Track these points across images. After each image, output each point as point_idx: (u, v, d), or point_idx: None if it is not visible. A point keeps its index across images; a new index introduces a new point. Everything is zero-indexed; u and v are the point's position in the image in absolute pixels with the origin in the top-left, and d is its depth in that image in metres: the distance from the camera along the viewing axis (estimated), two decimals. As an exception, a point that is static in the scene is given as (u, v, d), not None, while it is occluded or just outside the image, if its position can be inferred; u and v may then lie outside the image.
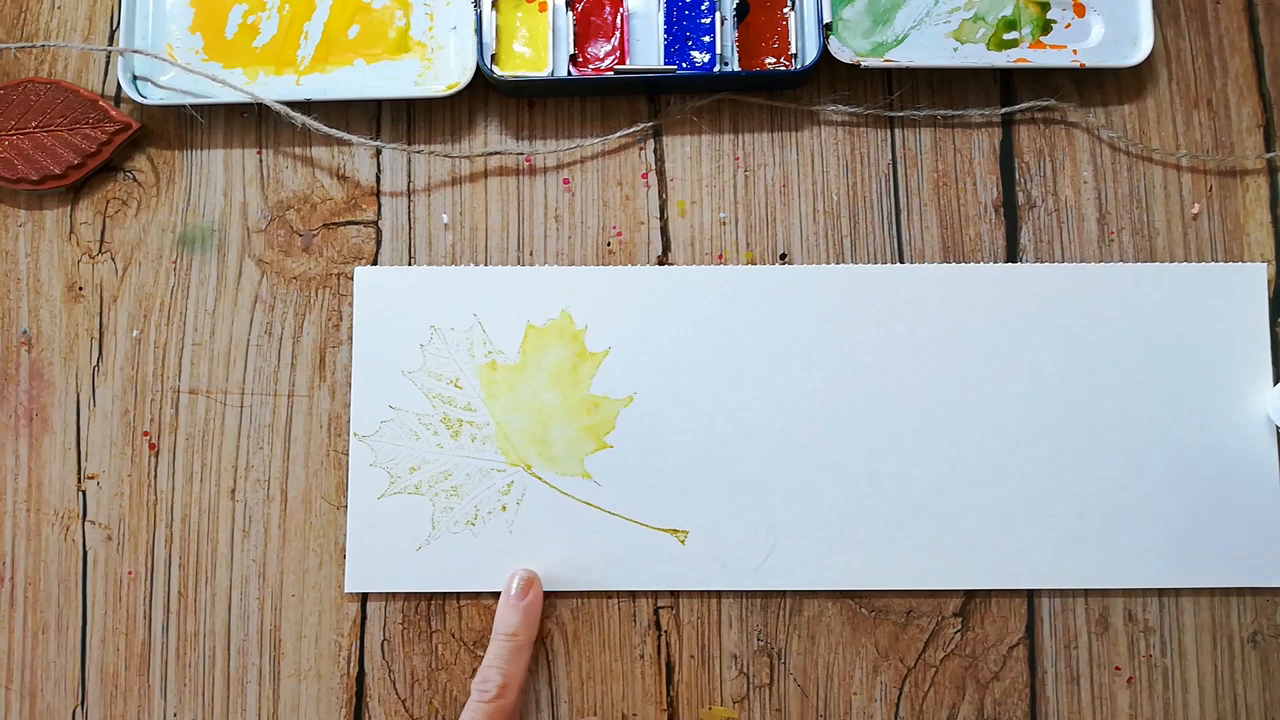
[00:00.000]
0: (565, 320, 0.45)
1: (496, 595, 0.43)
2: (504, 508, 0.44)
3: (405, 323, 0.45)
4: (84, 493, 0.45)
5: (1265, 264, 0.45)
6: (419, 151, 0.46)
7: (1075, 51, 0.46)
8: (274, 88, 0.46)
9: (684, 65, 0.46)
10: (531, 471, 0.44)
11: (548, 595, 0.44)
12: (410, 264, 0.46)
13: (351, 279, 0.46)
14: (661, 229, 0.46)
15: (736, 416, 0.44)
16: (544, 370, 0.44)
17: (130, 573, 0.44)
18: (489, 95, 0.47)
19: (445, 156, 0.46)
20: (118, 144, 0.45)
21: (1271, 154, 0.46)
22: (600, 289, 0.45)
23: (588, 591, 0.44)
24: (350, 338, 0.45)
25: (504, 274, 0.45)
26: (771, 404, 0.44)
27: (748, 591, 0.44)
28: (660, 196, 0.46)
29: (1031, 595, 0.44)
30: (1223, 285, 0.45)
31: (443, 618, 0.44)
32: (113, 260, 0.46)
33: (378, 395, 0.44)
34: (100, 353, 0.45)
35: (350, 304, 0.45)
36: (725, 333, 0.45)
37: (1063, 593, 0.44)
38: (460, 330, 0.45)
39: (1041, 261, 0.46)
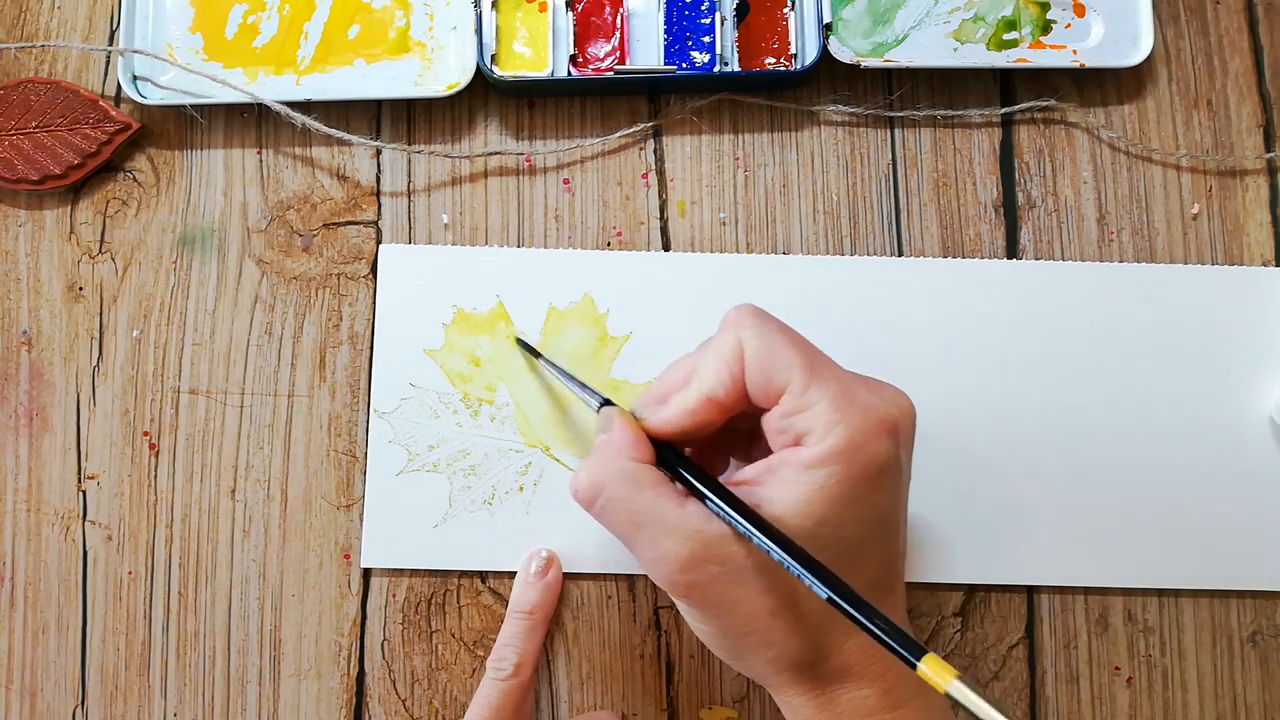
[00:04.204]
0: (588, 304, 0.45)
1: (512, 575, 0.43)
2: (521, 488, 0.44)
3: (428, 301, 0.45)
4: (84, 493, 0.45)
5: (1276, 268, 0.45)
6: (419, 151, 0.46)
7: (1075, 51, 0.46)
8: (274, 88, 0.46)
9: (684, 65, 0.46)
10: (550, 453, 0.44)
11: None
12: (410, 264, 0.46)
13: (352, 279, 0.46)
14: (661, 229, 0.46)
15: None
16: (565, 352, 0.44)
17: (130, 573, 0.44)
18: (489, 95, 0.47)
19: (445, 156, 0.46)
20: (118, 144, 0.45)
21: (1271, 154, 0.46)
22: (624, 273, 0.45)
23: (587, 591, 0.44)
24: (350, 338, 0.45)
25: (528, 256, 0.45)
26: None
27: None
28: (660, 196, 0.46)
29: (1031, 595, 0.44)
30: (1228, 287, 0.45)
31: (443, 618, 0.44)
32: (113, 260, 0.46)
33: (399, 372, 0.44)
34: (100, 353, 0.45)
35: (350, 304, 0.45)
36: None
37: (1062, 592, 0.44)
38: (483, 311, 0.45)
39: (1041, 261, 0.46)
